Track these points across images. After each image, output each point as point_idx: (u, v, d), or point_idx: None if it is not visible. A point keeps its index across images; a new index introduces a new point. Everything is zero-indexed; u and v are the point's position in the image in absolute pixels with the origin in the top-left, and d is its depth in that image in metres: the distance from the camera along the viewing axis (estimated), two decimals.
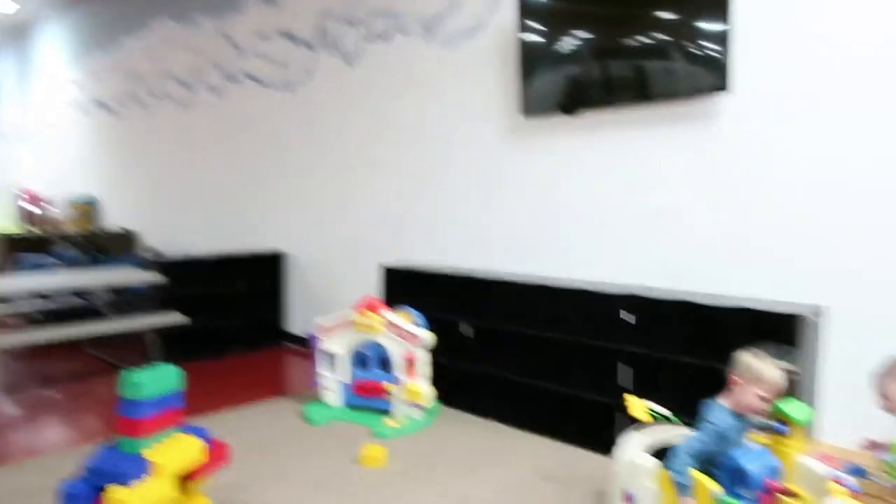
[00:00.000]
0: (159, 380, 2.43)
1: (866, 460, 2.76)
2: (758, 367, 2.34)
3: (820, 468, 2.47)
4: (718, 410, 2.37)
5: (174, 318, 5.15)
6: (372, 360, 4.07)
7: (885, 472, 2.29)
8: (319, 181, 5.70)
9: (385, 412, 3.97)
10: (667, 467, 2.36)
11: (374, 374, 4.04)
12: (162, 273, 5.31)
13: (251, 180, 6.47)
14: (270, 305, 6.12)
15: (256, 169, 6.39)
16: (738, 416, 2.36)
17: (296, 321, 6.08)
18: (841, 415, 3.02)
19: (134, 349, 5.35)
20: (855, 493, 2.32)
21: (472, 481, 3.16)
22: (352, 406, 4.09)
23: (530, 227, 4.24)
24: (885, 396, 2.33)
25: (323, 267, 5.79)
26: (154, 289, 5.44)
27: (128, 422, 2.36)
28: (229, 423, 3.92)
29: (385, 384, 3.94)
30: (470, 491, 3.05)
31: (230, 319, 5.84)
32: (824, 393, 3.09)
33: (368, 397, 4.02)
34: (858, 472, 2.69)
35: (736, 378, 2.37)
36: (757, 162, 3.25)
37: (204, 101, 6.97)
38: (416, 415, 3.87)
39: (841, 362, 3.03)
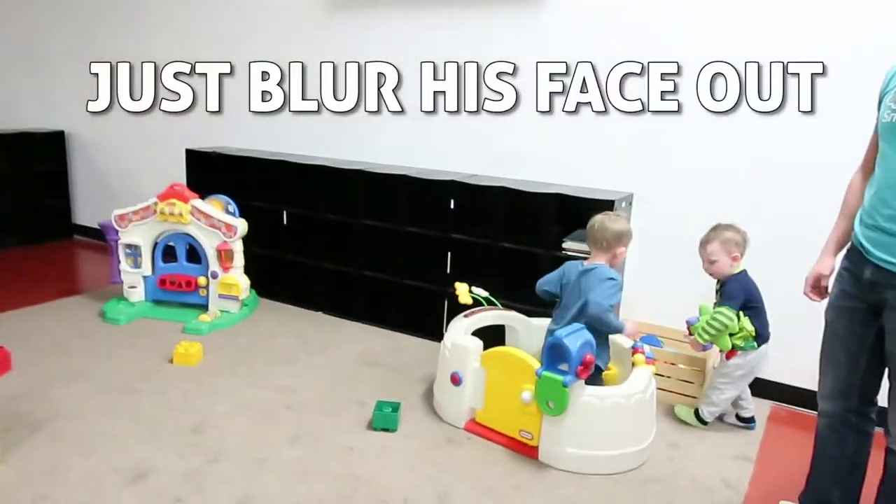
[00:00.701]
0: None
1: (658, 331, 3.07)
2: (626, 228, 2.59)
3: (623, 341, 2.71)
4: (608, 270, 2.55)
5: None
6: (180, 252, 3.73)
7: (698, 334, 2.58)
8: (112, 51, 4.91)
9: (197, 307, 3.70)
10: (600, 323, 2.48)
11: (183, 267, 3.73)
12: None
13: (24, 47, 5.42)
14: (54, 193, 5.34)
15: (31, 36, 5.34)
16: None
17: (88, 212, 5.39)
18: (645, 291, 3.29)
19: None
20: (651, 360, 2.57)
21: (292, 372, 3.07)
22: (159, 302, 3.76)
23: (350, 112, 4.00)
24: (706, 260, 2.62)
25: (118, 151, 5.11)
26: None
27: None
28: (13, 326, 3.43)
29: (196, 277, 3.65)
30: (290, 382, 2.96)
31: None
32: (629, 271, 3.34)
33: (177, 292, 3.72)
34: (652, 341, 3.00)
35: (611, 242, 2.56)
36: (582, 52, 3.27)
37: None
38: (233, 308, 3.65)
39: (646, 243, 3.26)
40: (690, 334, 2.63)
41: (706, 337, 2.55)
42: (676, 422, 2.75)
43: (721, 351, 2.62)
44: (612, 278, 2.53)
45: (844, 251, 1.92)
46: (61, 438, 2.40)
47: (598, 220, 2.60)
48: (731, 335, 2.54)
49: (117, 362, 3.07)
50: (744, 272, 2.60)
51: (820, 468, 2.01)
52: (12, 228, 5.06)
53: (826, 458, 1.98)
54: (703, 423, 2.68)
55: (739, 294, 2.53)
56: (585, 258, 2.70)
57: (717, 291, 2.66)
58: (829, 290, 1.97)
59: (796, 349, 2.68)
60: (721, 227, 2.61)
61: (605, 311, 2.47)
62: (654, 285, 3.24)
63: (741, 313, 2.54)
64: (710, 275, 2.66)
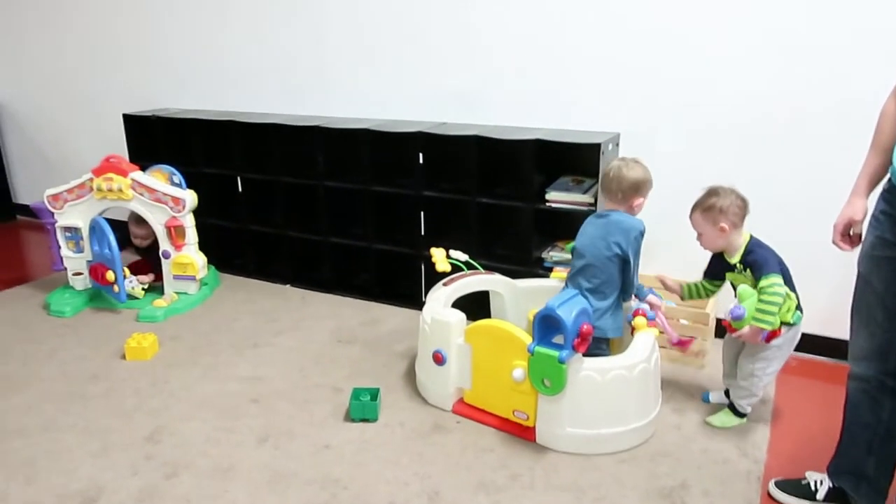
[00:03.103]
0: None
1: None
2: (644, 176, 2.27)
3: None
4: (632, 219, 2.27)
5: None
6: (100, 233, 3.31)
7: (758, 320, 2.06)
8: (38, 13, 4.40)
9: (156, 291, 3.38)
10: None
11: (103, 254, 3.21)
12: None
13: None
14: None
15: None
16: None
17: (28, 190, 4.96)
18: None
19: None
20: (652, 322, 2.32)
21: (258, 359, 2.79)
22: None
23: (300, 63, 3.60)
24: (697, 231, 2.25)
25: (52, 119, 4.65)
26: None
27: None
28: None
29: (106, 269, 3.19)
30: (256, 371, 2.68)
31: None
32: None
33: (101, 285, 3.27)
34: (647, 293, 2.64)
35: (627, 192, 2.26)
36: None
37: None
38: (190, 289, 3.33)
39: None
40: (734, 330, 2.10)
41: (770, 319, 2.00)
42: (679, 385, 2.52)
43: (761, 330, 2.07)
44: (642, 232, 2.26)
45: (880, 191, 1.66)
46: None
47: (614, 167, 2.27)
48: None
49: (62, 363, 2.76)
50: (754, 240, 2.17)
51: (853, 436, 1.79)
52: None
53: (860, 425, 1.77)
54: (743, 416, 2.28)
55: (771, 258, 2.10)
56: (573, 210, 2.42)
57: (707, 268, 2.35)
58: (863, 237, 1.71)
59: (802, 293, 2.42)
60: (707, 194, 2.18)
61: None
62: (648, 234, 2.97)
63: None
64: (705, 249, 2.27)
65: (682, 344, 2.37)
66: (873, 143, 1.71)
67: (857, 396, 1.76)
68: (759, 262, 2.10)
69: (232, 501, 1.93)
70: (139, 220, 3.35)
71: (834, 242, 1.80)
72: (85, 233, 3.28)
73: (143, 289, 3.33)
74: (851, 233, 1.77)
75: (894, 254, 1.59)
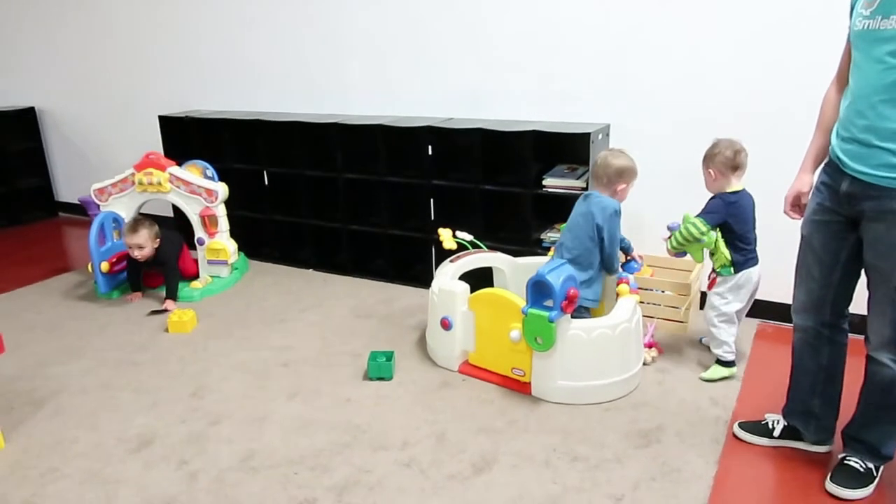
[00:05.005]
0: None
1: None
2: (627, 164, 2.58)
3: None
4: (609, 200, 2.59)
5: None
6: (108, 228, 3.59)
7: (669, 240, 2.57)
8: (77, 25, 4.78)
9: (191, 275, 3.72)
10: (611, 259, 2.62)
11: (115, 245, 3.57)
12: None
13: None
14: (32, 172, 5.28)
15: None
16: None
17: (69, 188, 5.34)
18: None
19: None
20: (635, 290, 2.61)
21: (286, 331, 3.11)
22: None
23: (320, 66, 3.93)
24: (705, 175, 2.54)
25: (92, 123, 5.03)
26: None
27: None
28: (4, 309, 3.45)
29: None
30: (284, 341, 3.00)
31: None
32: None
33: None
34: (630, 267, 2.92)
35: (612, 177, 2.58)
36: None
37: None
38: (223, 273, 3.67)
39: None
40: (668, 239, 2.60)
41: (674, 244, 2.54)
42: (668, 350, 2.80)
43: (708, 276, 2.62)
44: (616, 211, 2.58)
45: (822, 166, 1.93)
46: (64, 414, 2.45)
47: (602, 156, 2.61)
48: (712, 254, 2.52)
49: (113, 336, 3.10)
50: (739, 192, 2.47)
51: (798, 381, 2.07)
52: None
53: (803, 370, 2.04)
54: (728, 365, 2.57)
55: (719, 210, 2.45)
56: (568, 195, 2.70)
57: None
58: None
59: (780, 266, 2.69)
60: (711, 144, 2.50)
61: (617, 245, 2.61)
62: (635, 216, 3.25)
63: (717, 233, 2.47)
64: (707, 190, 2.58)
65: (650, 346, 2.73)
66: (818, 125, 1.97)
67: (799, 346, 2.03)
68: (707, 205, 2.50)
69: (268, 442, 2.24)
70: (134, 228, 3.32)
71: (785, 212, 2.07)
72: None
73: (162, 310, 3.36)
74: (801, 203, 2.04)
75: (831, 218, 1.85)
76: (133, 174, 3.56)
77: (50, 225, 5.20)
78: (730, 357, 2.57)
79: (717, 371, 2.57)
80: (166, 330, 3.11)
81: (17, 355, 2.88)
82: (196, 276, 3.65)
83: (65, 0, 4.73)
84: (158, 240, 3.39)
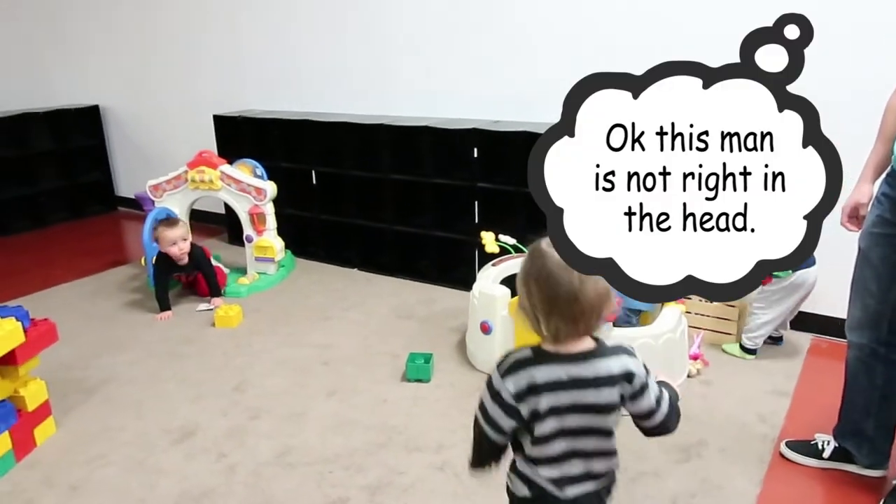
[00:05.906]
0: None
1: None
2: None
3: None
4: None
5: None
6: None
7: None
8: (138, 29, 4.95)
9: (238, 270, 3.80)
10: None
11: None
12: None
13: (49, 24, 5.50)
14: (94, 167, 5.49)
15: (55, 12, 5.42)
16: None
17: (129, 183, 5.53)
18: None
19: None
20: (680, 300, 2.54)
21: (328, 329, 3.14)
22: None
23: (367, 68, 3.96)
24: None
25: (151, 121, 5.20)
26: None
27: None
28: (63, 299, 3.60)
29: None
30: (326, 339, 3.03)
31: (39, 185, 5.16)
32: None
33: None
34: None
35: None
36: None
37: None
38: (269, 270, 3.73)
39: None
40: None
41: None
42: (715, 362, 2.72)
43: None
44: None
45: (883, 176, 1.84)
46: (113, 403, 2.54)
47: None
48: None
49: (161, 329, 3.19)
50: None
51: (851, 400, 1.98)
52: (58, 205, 5.24)
53: (857, 390, 1.95)
54: (750, 352, 2.67)
55: None
56: None
57: None
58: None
59: (836, 280, 2.58)
60: None
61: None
62: None
63: None
64: None
65: (695, 357, 2.66)
66: (879, 134, 1.88)
67: (853, 364, 1.94)
68: None
69: (305, 439, 2.27)
70: (170, 223, 3.29)
71: (842, 224, 1.97)
72: (182, 218, 3.71)
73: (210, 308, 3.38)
74: (859, 215, 1.94)
75: (891, 231, 1.77)
76: (186, 171, 3.65)
77: (109, 219, 5.40)
78: (754, 347, 2.67)
79: (737, 350, 2.68)
80: (213, 324, 3.19)
81: (73, 344, 2.99)
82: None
83: (127, 5, 4.91)
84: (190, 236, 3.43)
